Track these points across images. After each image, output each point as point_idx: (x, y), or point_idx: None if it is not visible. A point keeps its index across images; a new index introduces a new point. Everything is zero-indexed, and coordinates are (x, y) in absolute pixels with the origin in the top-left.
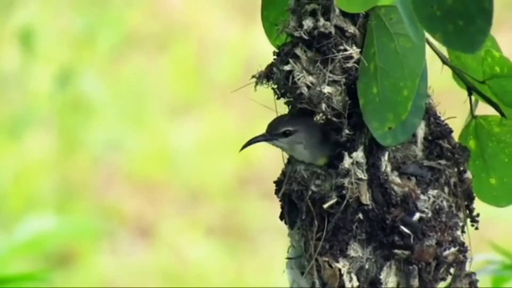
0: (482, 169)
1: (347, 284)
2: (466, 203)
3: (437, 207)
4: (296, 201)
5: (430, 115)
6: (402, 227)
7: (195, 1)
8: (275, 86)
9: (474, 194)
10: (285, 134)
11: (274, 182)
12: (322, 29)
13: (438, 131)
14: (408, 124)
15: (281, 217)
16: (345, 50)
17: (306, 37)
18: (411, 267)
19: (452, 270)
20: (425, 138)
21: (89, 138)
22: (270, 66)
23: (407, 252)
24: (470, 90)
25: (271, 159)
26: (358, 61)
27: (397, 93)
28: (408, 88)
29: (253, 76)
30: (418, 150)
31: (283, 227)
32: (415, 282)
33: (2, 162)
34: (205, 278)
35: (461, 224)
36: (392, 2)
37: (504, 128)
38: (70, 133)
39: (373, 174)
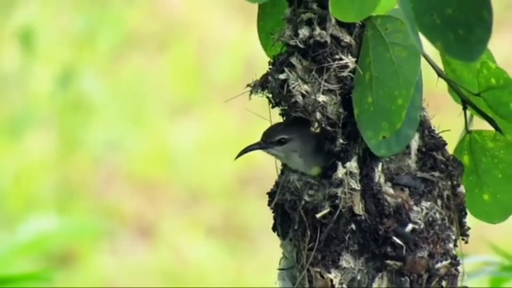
0: (475, 184)
1: None
2: (458, 217)
3: (430, 219)
4: (289, 211)
5: (424, 127)
6: (395, 238)
7: (195, 1)
8: (270, 95)
9: (467, 210)
10: (280, 142)
11: (268, 193)
12: (317, 38)
13: (432, 143)
14: (402, 135)
15: (274, 228)
16: (341, 59)
17: (301, 46)
18: (403, 279)
19: (444, 284)
20: (419, 150)
21: (89, 138)
22: (265, 75)
23: (399, 263)
24: (465, 104)
25: (271, 159)
26: (353, 71)
27: (392, 102)
28: (402, 97)
29: (248, 85)
30: (411, 161)
31: None
32: None
33: (2, 162)
34: (205, 278)
35: (453, 237)
36: (387, 12)
37: (498, 144)
38: (70, 133)
39: (366, 185)
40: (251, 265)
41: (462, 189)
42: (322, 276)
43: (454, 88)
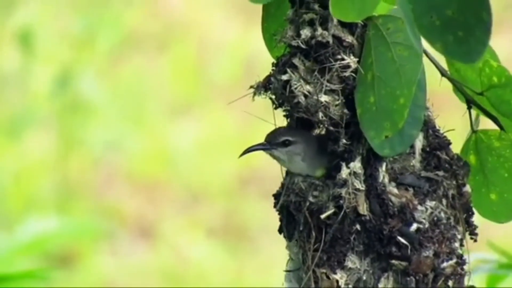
0: (482, 184)
1: None
2: (465, 217)
3: (435, 218)
4: (294, 212)
5: (428, 127)
6: (400, 238)
7: (195, 1)
8: (273, 96)
9: (474, 209)
10: (285, 144)
11: (273, 195)
12: (319, 39)
13: (436, 142)
14: (406, 135)
15: (280, 230)
16: (343, 59)
17: (303, 47)
18: (408, 279)
19: (450, 283)
20: (423, 150)
21: (89, 138)
22: (268, 77)
23: (404, 263)
24: (470, 103)
25: (272, 159)
26: (355, 71)
27: (394, 102)
28: (404, 96)
29: (251, 87)
30: (416, 161)
31: None
32: None
33: (2, 162)
34: (205, 278)
35: (459, 237)
36: (387, 11)
37: (504, 143)
38: (70, 133)
39: (371, 185)
40: (251, 265)
41: (467, 188)
42: (328, 277)
43: (458, 88)
